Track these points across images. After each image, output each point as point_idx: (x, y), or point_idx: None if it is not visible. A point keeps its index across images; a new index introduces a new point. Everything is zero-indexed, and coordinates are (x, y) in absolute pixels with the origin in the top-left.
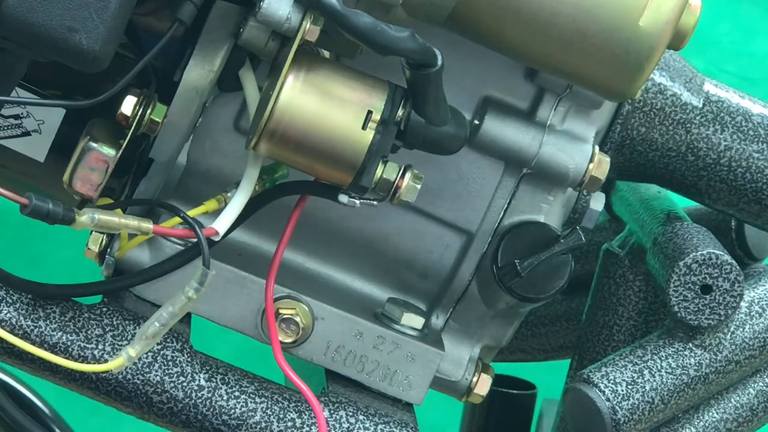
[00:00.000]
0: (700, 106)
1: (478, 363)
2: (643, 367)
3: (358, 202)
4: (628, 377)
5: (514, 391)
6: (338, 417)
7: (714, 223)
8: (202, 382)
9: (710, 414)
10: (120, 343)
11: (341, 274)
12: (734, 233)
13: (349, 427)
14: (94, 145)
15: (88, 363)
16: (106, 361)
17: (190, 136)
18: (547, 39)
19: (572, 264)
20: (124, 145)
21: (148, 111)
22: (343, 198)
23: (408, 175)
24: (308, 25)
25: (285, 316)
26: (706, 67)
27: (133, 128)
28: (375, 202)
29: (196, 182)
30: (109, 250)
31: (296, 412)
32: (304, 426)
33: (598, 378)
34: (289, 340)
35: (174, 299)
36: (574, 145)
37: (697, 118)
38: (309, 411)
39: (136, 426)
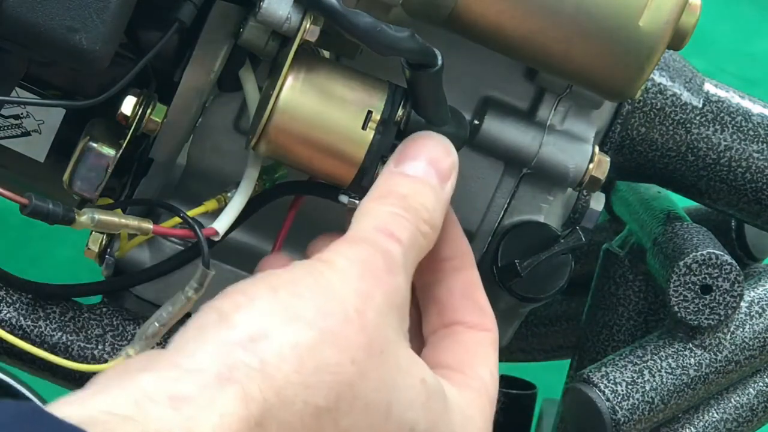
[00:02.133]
0: (700, 106)
1: None
2: (643, 367)
3: (358, 202)
4: (628, 377)
5: (514, 391)
6: None
7: (714, 223)
8: None
9: (710, 414)
10: (120, 343)
11: None
12: (734, 233)
13: None
14: (94, 145)
15: (88, 363)
16: (105, 361)
17: (190, 137)
18: (546, 39)
19: (572, 264)
20: (124, 146)
21: (148, 111)
22: (343, 198)
23: None
24: (308, 25)
25: None
26: (706, 67)
27: (133, 128)
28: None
29: (196, 182)
30: (109, 250)
31: None
32: None
33: (598, 378)
34: None
35: (173, 299)
36: (574, 145)
37: (697, 118)
38: None
39: None
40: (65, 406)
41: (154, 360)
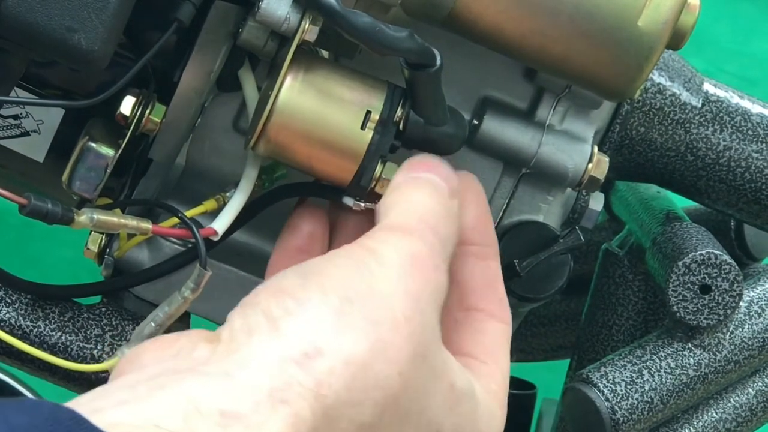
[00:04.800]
0: (699, 105)
1: None
2: (642, 367)
3: (363, 204)
4: (627, 377)
5: (514, 391)
6: None
7: (713, 223)
8: None
9: (709, 414)
10: (119, 343)
11: None
12: (734, 233)
13: None
14: (93, 145)
15: (87, 363)
16: (104, 360)
17: (189, 137)
18: (545, 39)
19: (571, 264)
20: (123, 146)
21: (147, 111)
22: (348, 201)
23: None
24: (307, 25)
25: None
26: (705, 67)
27: (132, 128)
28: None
29: (195, 182)
30: (108, 250)
31: None
32: None
33: (597, 378)
34: None
35: (170, 299)
36: (573, 145)
37: (696, 118)
38: None
39: None
40: (109, 411)
41: (204, 358)
